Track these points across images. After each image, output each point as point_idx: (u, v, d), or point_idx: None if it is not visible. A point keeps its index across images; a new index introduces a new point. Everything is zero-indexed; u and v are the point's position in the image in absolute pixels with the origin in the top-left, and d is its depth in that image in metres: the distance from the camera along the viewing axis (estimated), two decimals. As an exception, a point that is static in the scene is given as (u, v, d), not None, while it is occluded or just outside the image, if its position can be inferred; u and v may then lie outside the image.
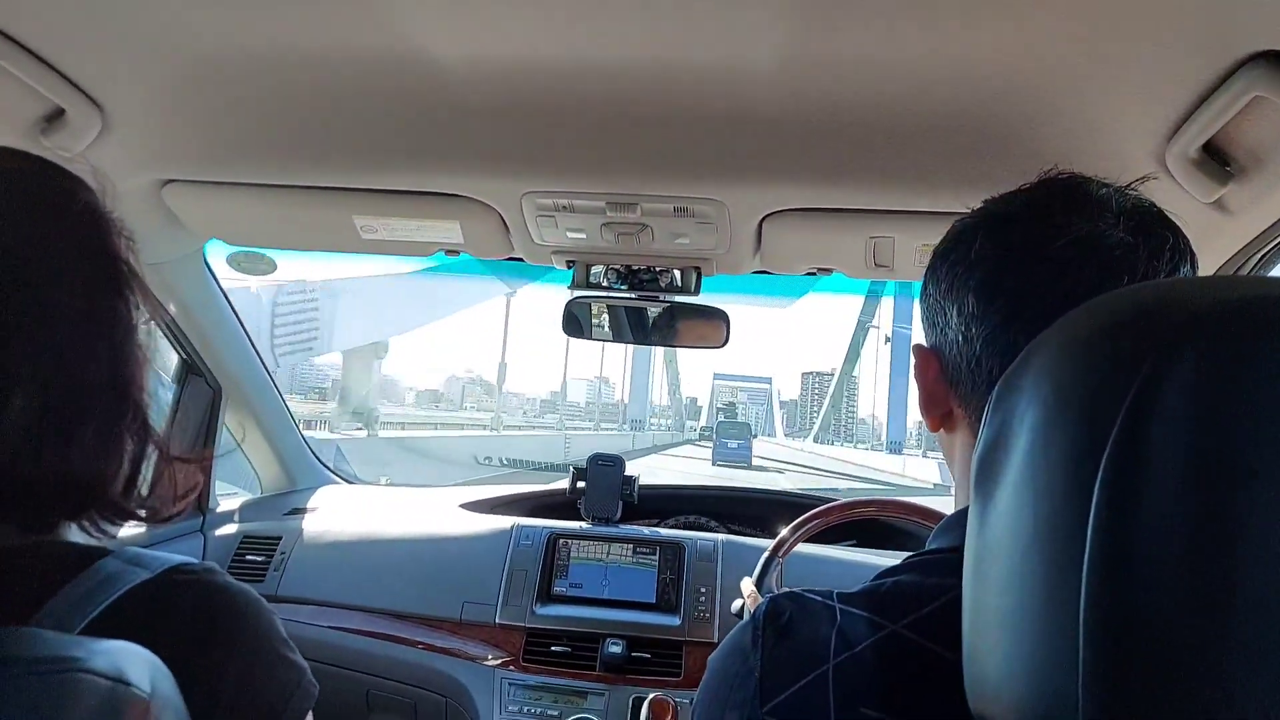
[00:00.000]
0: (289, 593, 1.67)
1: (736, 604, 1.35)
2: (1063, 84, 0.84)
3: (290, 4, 0.82)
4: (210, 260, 1.57)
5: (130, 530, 1.47)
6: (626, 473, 1.83)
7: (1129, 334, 0.35)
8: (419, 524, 1.81)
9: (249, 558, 1.75)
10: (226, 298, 1.63)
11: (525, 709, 1.50)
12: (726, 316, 1.43)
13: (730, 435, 45.63)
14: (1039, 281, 0.53)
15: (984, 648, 0.39)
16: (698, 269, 1.32)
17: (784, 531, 1.37)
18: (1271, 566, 0.29)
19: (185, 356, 1.64)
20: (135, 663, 0.45)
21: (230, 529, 1.83)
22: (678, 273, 1.33)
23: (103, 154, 1.04)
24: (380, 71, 0.91)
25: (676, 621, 1.59)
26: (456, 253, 1.34)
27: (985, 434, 0.41)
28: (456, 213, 1.19)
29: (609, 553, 1.70)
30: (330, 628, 1.62)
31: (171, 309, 1.52)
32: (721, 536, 1.73)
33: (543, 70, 0.89)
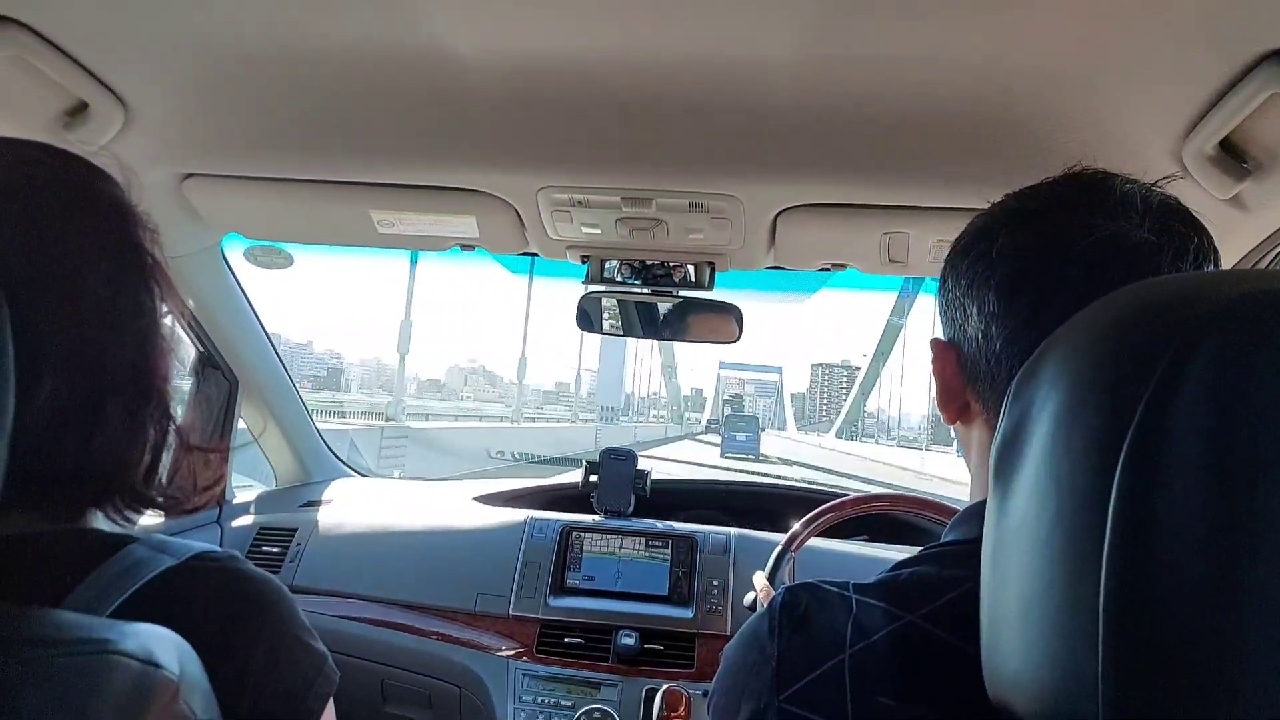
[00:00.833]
0: (304, 583, 1.69)
1: (749, 597, 1.35)
2: (1080, 80, 0.84)
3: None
4: (227, 255, 1.59)
5: (149, 522, 1.50)
6: (639, 467, 1.84)
7: (1151, 325, 0.35)
8: (433, 517, 1.83)
9: (265, 549, 1.76)
10: (243, 291, 1.65)
11: (539, 699, 1.51)
12: (739, 311, 1.42)
13: (739, 428, 45.76)
14: (1063, 282, 0.53)
15: (1003, 636, 0.39)
16: (711, 264, 1.32)
17: (796, 526, 1.37)
18: None
19: (202, 349, 1.65)
20: (164, 645, 0.46)
21: (246, 520, 1.85)
22: (691, 268, 1.33)
23: (125, 148, 1.05)
24: (399, 66, 0.92)
25: (689, 614, 1.59)
26: (472, 247, 1.35)
27: (1004, 425, 0.41)
28: (472, 208, 1.20)
29: (622, 546, 1.71)
30: (345, 618, 1.63)
31: (189, 302, 1.53)
32: (734, 531, 1.74)
33: (560, 65, 0.89)
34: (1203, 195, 0.88)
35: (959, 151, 0.97)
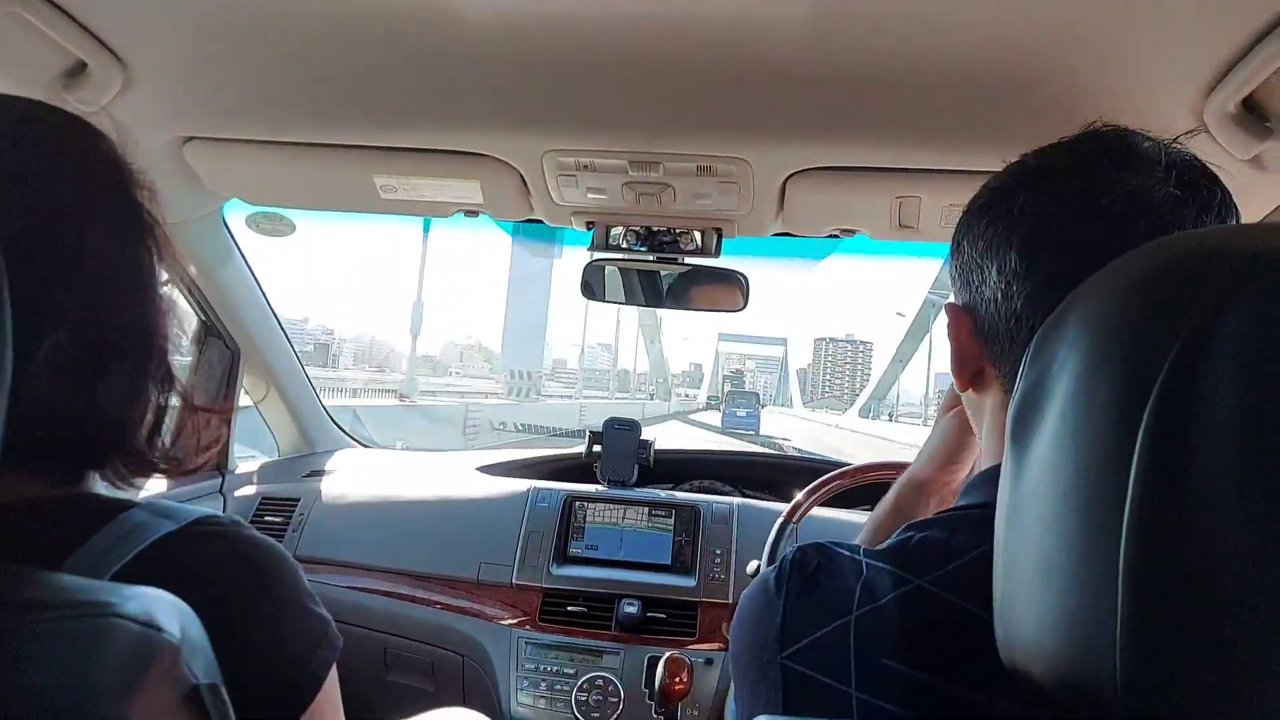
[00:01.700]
0: (307, 553, 1.69)
1: (752, 565, 1.35)
2: (1099, 37, 0.82)
3: None
4: (229, 222, 1.57)
5: (151, 490, 1.50)
6: (642, 436, 1.85)
7: (1178, 280, 0.34)
8: (436, 487, 1.83)
9: (268, 519, 1.77)
10: (245, 259, 1.63)
11: (541, 667, 1.52)
12: (744, 279, 1.41)
13: (739, 404, 46.22)
14: (1087, 238, 0.52)
15: (1018, 600, 0.39)
16: (719, 230, 1.30)
17: (799, 495, 1.37)
18: None
19: (204, 317, 1.65)
20: (165, 609, 0.45)
21: (249, 490, 1.85)
22: (698, 234, 1.32)
23: (124, 109, 1.03)
24: (403, 26, 0.90)
25: (692, 583, 1.60)
26: (476, 213, 1.33)
27: (1023, 384, 0.41)
28: (476, 172, 1.18)
29: (625, 515, 1.71)
30: (348, 587, 1.64)
31: (191, 269, 1.52)
32: (737, 500, 1.75)
33: (566, 23, 0.88)
34: (1223, 155, 0.87)
35: (974, 112, 0.96)
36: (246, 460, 1.99)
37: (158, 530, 0.54)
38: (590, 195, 1.21)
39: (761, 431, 40.84)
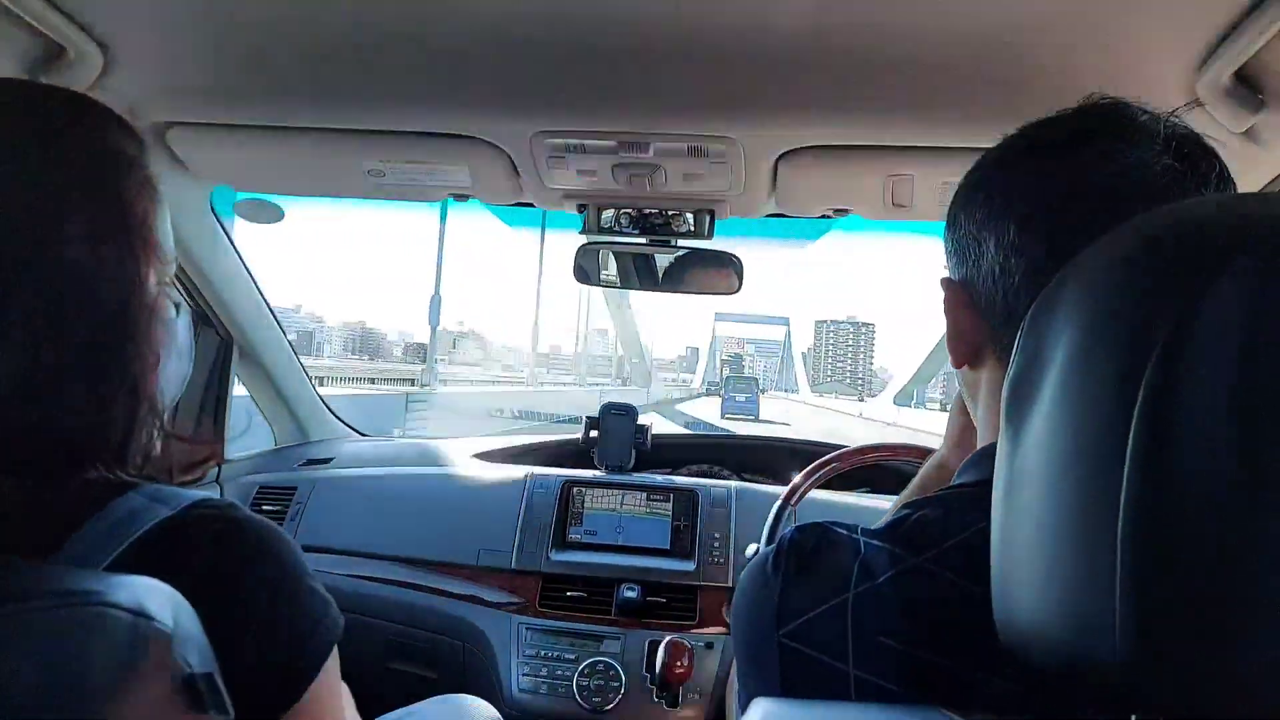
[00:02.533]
0: (306, 542, 1.68)
1: (751, 548, 1.35)
2: (1092, 10, 0.81)
3: None
4: (218, 210, 1.55)
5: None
6: (639, 421, 1.84)
7: (1173, 250, 0.34)
8: (434, 474, 1.83)
9: (265, 507, 1.76)
10: (234, 246, 1.62)
11: (542, 652, 1.52)
12: (739, 261, 1.40)
13: (738, 389, 46.51)
14: (1087, 211, 0.52)
15: (1016, 577, 0.38)
16: (711, 212, 1.29)
17: (797, 478, 1.37)
18: None
19: (195, 306, 1.63)
20: (157, 598, 0.45)
21: (246, 479, 1.85)
22: (690, 216, 1.31)
23: (105, 95, 1.01)
24: (388, 7, 0.89)
25: (691, 566, 1.60)
26: (465, 197, 1.32)
27: (1018, 359, 0.40)
28: (465, 155, 1.17)
29: (623, 501, 1.71)
30: (347, 575, 1.64)
31: (176, 259, 1.50)
32: (735, 484, 1.74)
33: (553, 2, 0.86)
34: (1217, 128, 0.87)
35: (966, 88, 0.95)
36: (242, 450, 1.98)
37: (154, 516, 0.53)
38: (580, 177, 1.20)
39: (762, 417, 40.92)
